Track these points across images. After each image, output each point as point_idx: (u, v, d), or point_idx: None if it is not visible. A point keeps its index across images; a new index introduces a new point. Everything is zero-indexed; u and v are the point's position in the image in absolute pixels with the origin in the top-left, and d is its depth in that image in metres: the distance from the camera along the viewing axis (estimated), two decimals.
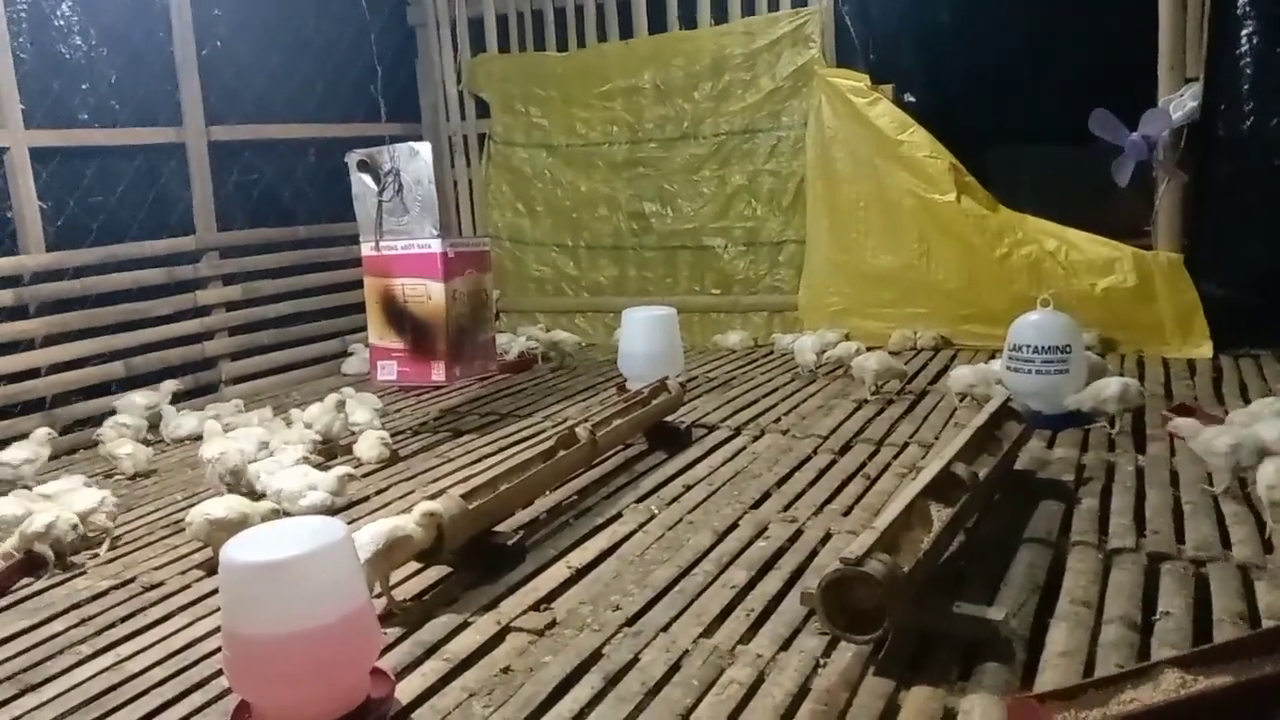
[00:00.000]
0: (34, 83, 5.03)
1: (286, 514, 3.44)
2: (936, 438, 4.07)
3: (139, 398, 5.06)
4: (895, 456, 3.89)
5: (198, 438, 4.53)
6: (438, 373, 4.82)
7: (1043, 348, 4.10)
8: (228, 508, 3.19)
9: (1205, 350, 5.22)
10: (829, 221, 6.15)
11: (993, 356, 4.49)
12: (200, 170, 5.80)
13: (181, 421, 4.83)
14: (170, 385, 5.23)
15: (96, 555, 3.38)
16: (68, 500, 3.46)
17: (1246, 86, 5.11)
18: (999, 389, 4.14)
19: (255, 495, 3.69)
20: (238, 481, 3.95)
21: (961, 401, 4.46)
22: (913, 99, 6.26)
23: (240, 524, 3.07)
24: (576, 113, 6.90)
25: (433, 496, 2.95)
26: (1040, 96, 6.98)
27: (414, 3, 7.26)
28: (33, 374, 4.91)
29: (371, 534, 2.62)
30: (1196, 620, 2.42)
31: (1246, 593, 2.55)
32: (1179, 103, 5.23)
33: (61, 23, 5.19)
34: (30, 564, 3.22)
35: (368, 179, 4.80)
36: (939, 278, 5.85)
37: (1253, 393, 4.41)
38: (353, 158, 4.84)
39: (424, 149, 4.74)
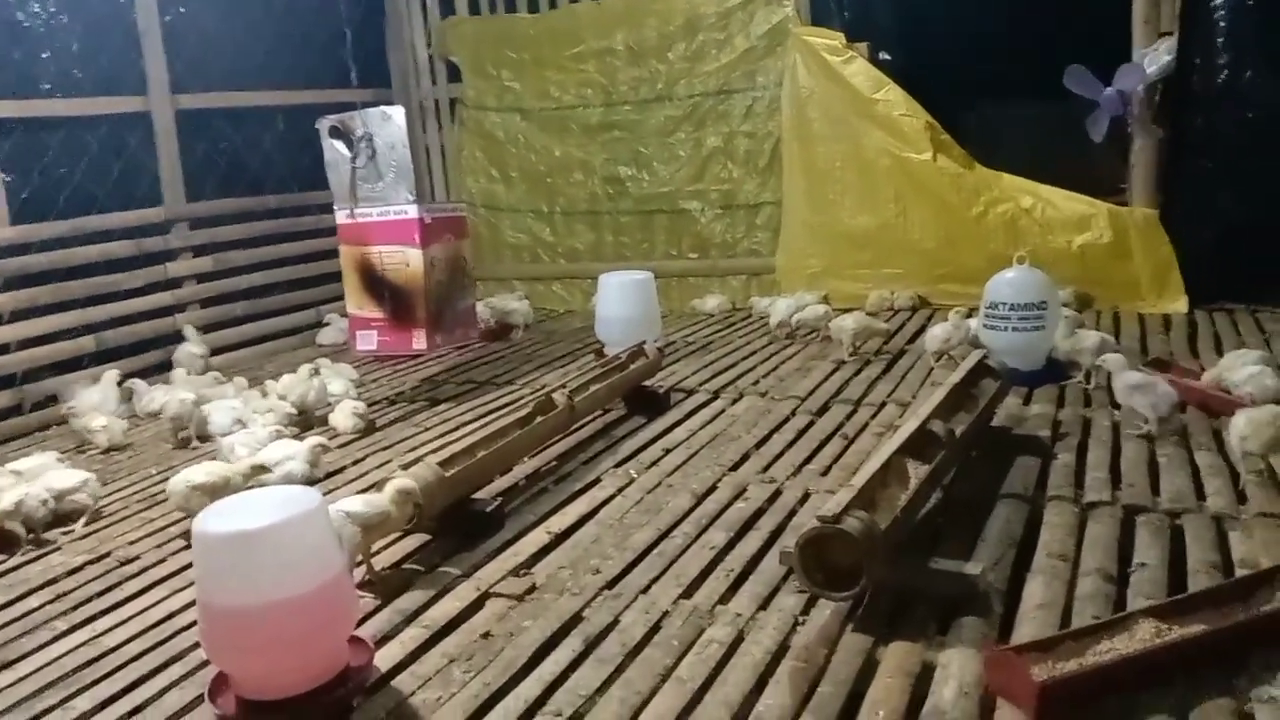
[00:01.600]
0: None
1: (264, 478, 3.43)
2: (914, 396, 4.08)
3: (194, 348, 5.31)
4: (873, 416, 3.90)
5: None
6: (419, 341, 4.78)
7: (1019, 305, 4.09)
8: (208, 473, 3.18)
9: (1180, 305, 5.25)
10: (805, 183, 6.12)
11: (970, 315, 4.49)
12: (167, 140, 5.70)
13: (155, 395, 4.76)
14: (194, 332, 5.46)
15: (71, 531, 3.35)
16: (48, 479, 3.42)
17: (1221, 40, 5.08)
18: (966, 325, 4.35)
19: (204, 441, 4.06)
20: (183, 427, 4.20)
21: (938, 361, 4.47)
22: (888, 57, 6.23)
23: (222, 488, 3.07)
24: (549, 75, 6.81)
25: (408, 465, 2.93)
26: (1015, 53, 6.94)
27: None
28: (1, 350, 4.84)
29: (349, 510, 2.59)
30: (1172, 571, 2.45)
31: (1220, 543, 2.58)
32: (1153, 57, 5.22)
33: None
34: (2, 541, 3.18)
35: (340, 145, 4.72)
36: (915, 237, 5.84)
37: (1227, 346, 4.43)
38: (324, 124, 4.75)
39: (397, 113, 4.66)
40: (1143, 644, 2.01)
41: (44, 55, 5.19)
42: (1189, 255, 5.28)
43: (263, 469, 3.39)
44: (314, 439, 3.69)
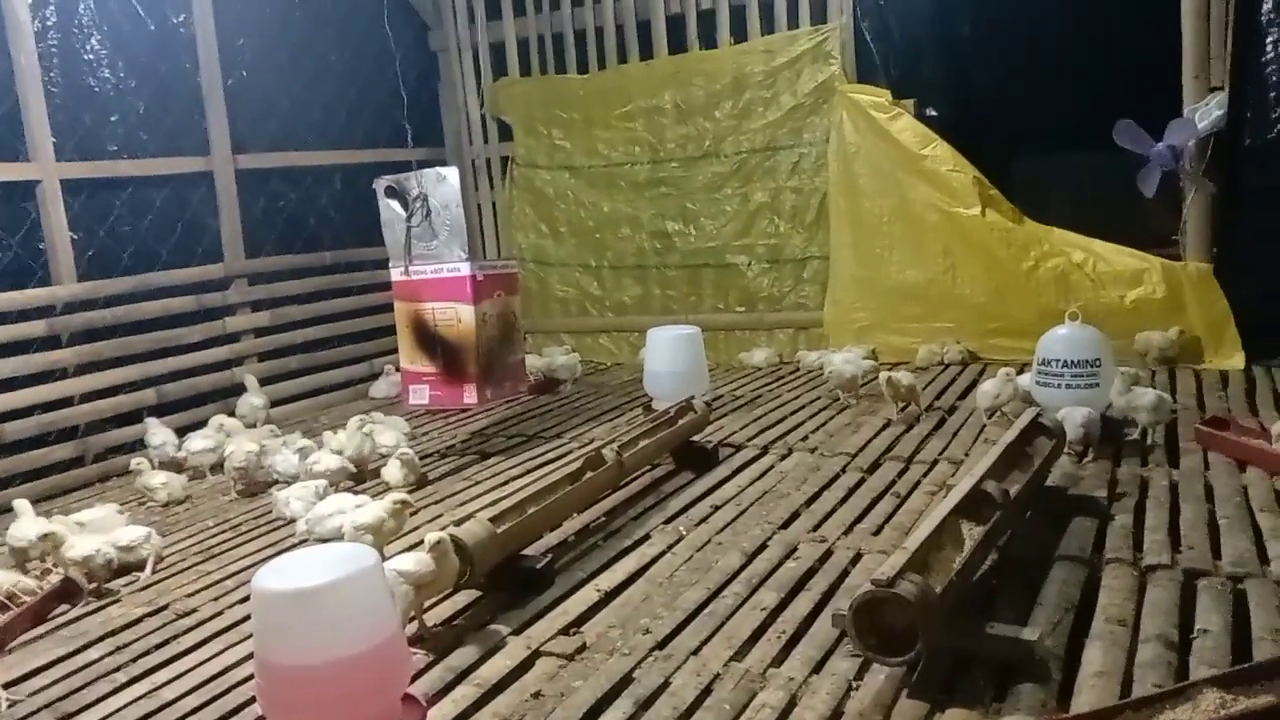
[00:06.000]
0: (64, 116, 5.10)
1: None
2: (966, 454, 4.04)
3: (255, 399, 5.44)
4: (925, 474, 3.87)
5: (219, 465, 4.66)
6: (469, 395, 4.84)
7: (1072, 361, 4.07)
8: (370, 513, 3.29)
9: (1237, 361, 5.16)
10: (853, 237, 6.15)
11: (1021, 370, 4.46)
12: (228, 198, 5.87)
13: (205, 444, 4.83)
14: (254, 383, 5.57)
15: (135, 580, 3.41)
16: (113, 533, 3.50)
17: (1273, 94, 5.06)
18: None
19: (269, 485, 4.32)
20: (245, 477, 4.35)
21: (990, 417, 4.43)
22: (934, 113, 6.25)
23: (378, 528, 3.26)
24: (598, 134, 6.94)
25: (460, 521, 2.96)
26: (1064, 108, 6.95)
27: (435, 28, 7.33)
28: (66, 403, 4.96)
29: (400, 569, 2.62)
30: (1235, 638, 2.39)
31: None
32: (1204, 111, 5.19)
33: (91, 56, 5.27)
34: (65, 592, 3.24)
35: (396, 205, 4.84)
36: (965, 292, 5.82)
37: None
38: (380, 184, 4.88)
39: (451, 174, 4.78)
40: (1207, 715, 1.95)
41: (112, 118, 5.38)
42: (1245, 310, 5.20)
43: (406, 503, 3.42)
44: (396, 494, 3.54)
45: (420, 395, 4.96)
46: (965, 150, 5.81)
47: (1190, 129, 5.19)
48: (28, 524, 3.49)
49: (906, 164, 5.86)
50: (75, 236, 5.12)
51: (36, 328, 4.87)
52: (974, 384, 5.07)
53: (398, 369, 5.22)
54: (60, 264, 5.01)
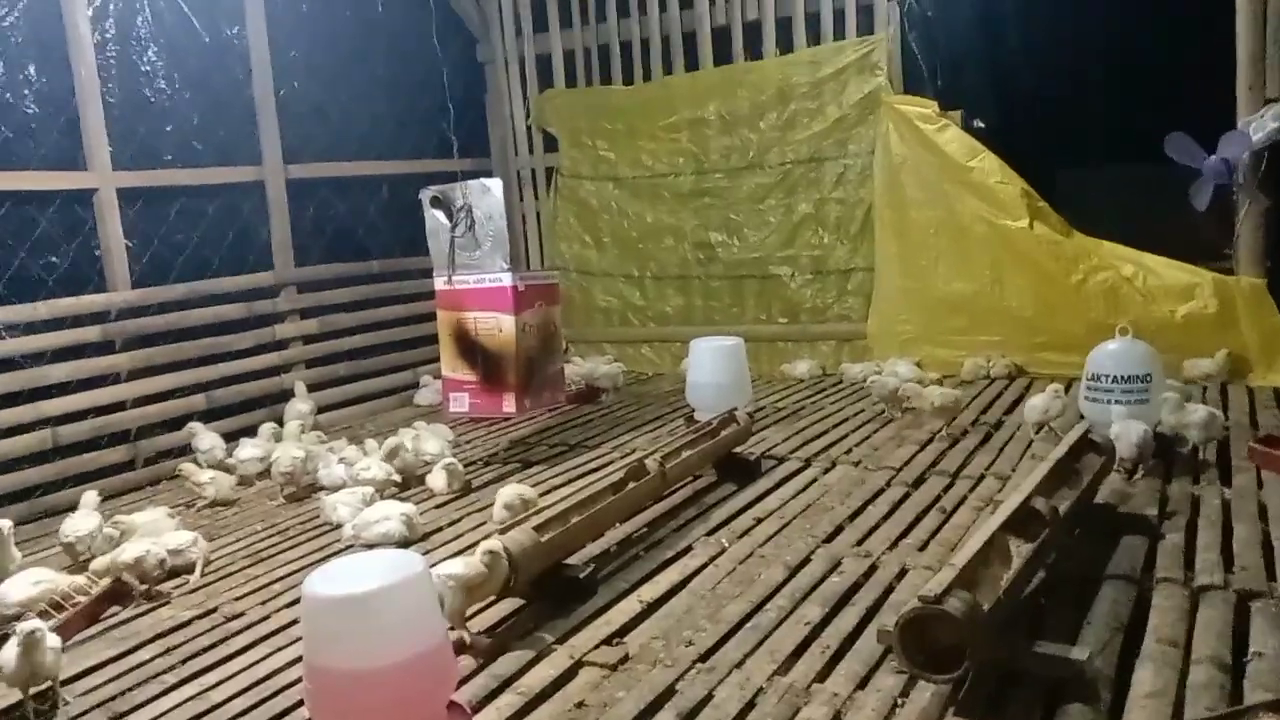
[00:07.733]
0: (121, 126, 5.21)
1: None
2: (1014, 470, 3.99)
3: (301, 404, 5.54)
4: (971, 489, 3.82)
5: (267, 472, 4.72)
6: (508, 404, 4.88)
7: (1122, 377, 4.01)
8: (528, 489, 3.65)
9: None
10: (898, 249, 6.11)
11: (1069, 387, 4.40)
12: (278, 207, 5.96)
13: (254, 451, 4.90)
14: (302, 389, 5.67)
15: (186, 582, 3.47)
16: (164, 536, 3.57)
17: None
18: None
19: (316, 490, 4.39)
20: (293, 482, 4.41)
21: (1038, 432, 4.38)
22: (982, 124, 6.20)
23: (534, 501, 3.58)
24: (643, 145, 6.96)
25: (505, 529, 2.98)
26: (1113, 119, 6.89)
27: (483, 41, 7.40)
28: (119, 407, 5.06)
29: (450, 573, 2.64)
30: None
31: None
32: (1259, 124, 5.10)
33: (147, 69, 5.38)
34: (117, 593, 3.30)
35: (441, 215, 4.90)
36: (1012, 305, 5.76)
37: None
38: (426, 194, 4.95)
39: (495, 185, 4.83)
40: None
41: (167, 129, 5.49)
42: None
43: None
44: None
45: (460, 403, 5.01)
46: (1013, 162, 5.75)
47: (1244, 141, 5.10)
48: (83, 519, 3.57)
49: (953, 175, 5.82)
50: (130, 244, 5.22)
51: (91, 333, 4.97)
52: (1020, 398, 5.02)
53: (437, 377, 5.27)
54: (115, 271, 5.11)
